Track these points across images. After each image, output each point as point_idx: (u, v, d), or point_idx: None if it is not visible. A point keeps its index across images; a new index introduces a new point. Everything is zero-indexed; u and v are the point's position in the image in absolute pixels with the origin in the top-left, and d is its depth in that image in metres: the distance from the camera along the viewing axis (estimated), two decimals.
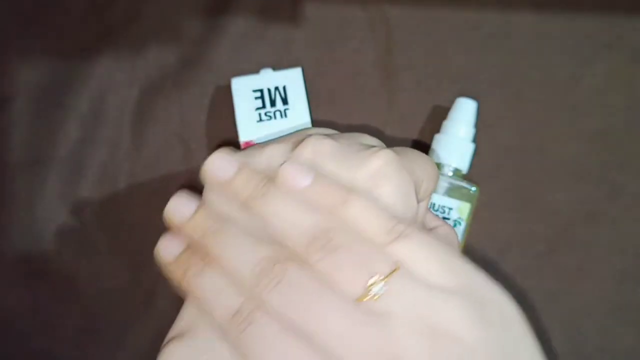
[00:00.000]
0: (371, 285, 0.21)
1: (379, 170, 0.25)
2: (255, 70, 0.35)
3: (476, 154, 0.34)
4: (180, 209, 0.27)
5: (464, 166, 0.33)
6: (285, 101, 0.34)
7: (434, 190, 0.29)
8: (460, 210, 0.33)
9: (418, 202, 0.27)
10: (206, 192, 0.27)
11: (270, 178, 0.25)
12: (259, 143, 0.29)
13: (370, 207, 0.24)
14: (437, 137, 0.34)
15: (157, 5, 0.38)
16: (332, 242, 0.23)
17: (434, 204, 0.33)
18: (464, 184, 0.33)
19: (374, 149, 0.26)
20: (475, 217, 0.34)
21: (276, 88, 0.34)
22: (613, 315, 0.35)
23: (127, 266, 0.36)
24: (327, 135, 0.26)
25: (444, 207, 0.33)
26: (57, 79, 0.37)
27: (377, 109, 0.36)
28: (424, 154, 0.28)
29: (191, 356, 0.25)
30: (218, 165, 0.26)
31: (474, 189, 0.33)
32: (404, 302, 0.21)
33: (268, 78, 0.34)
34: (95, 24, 0.38)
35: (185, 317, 0.26)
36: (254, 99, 0.34)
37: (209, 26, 0.37)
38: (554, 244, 0.35)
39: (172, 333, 0.25)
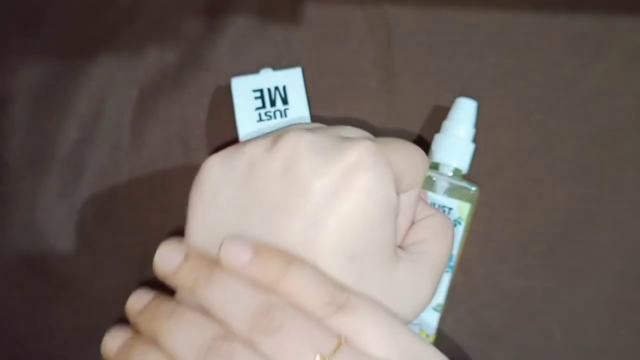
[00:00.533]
0: None
1: (355, 162, 0.25)
2: (255, 70, 0.35)
3: (476, 154, 0.34)
4: (137, 302, 0.27)
5: (464, 166, 0.33)
6: (285, 101, 0.34)
7: (424, 180, 0.29)
8: (460, 210, 0.33)
9: (400, 192, 0.27)
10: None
11: (215, 262, 0.25)
12: (242, 142, 0.29)
13: (311, 278, 0.23)
14: (437, 137, 0.34)
15: (157, 5, 0.38)
16: (274, 321, 0.22)
17: (434, 204, 0.33)
18: (464, 184, 0.33)
19: (352, 140, 0.25)
20: (475, 217, 0.34)
21: (276, 88, 0.34)
22: (613, 315, 0.35)
23: (127, 266, 0.36)
24: (309, 130, 0.26)
25: (444, 207, 0.33)
26: (57, 79, 0.37)
27: (377, 109, 0.36)
28: (410, 143, 0.28)
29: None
30: (166, 257, 0.26)
31: (474, 189, 0.33)
32: None
33: (268, 78, 0.34)
34: (95, 24, 0.38)
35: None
36: (254, 98, 0.34)
37: (209, 26, 0.37)
38: (554, 244, 0.35)
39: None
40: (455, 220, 0.33)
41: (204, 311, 0.24)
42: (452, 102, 0.34)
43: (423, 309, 0.27)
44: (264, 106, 0.34)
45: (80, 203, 0.37)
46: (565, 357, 0.35)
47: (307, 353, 0.22)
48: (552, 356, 0.35)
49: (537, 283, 0.35)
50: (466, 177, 0.34)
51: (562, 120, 0.36)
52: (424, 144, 0.36)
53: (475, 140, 0.34)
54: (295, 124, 0.30)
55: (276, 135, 0.27)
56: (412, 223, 0.29)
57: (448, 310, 0.34)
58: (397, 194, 0.26)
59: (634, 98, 0.36)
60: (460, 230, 0.33)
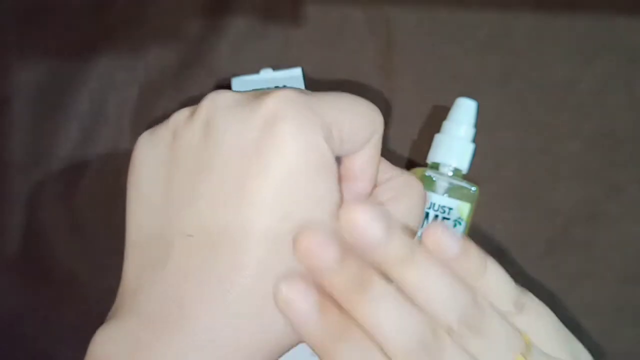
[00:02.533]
0: None
1: (272, 113, 0.22)
2: (255, 70, 0.35)
3: (476, 154, 0.34)
4: (321, 253, 0.21)
5: (464, 166, 0.33)
6: None
7: (379, 138, 0.26)
8: (460, 210, 0.33)
9: (344, 151, 0.24)
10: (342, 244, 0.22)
11: (420, 245, 0.22)
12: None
13: (501, 275, 0.23)
14: (437, 137, 0.34)
15: (157, 5, 0.38)
16: (483, 320, 0.22)
17: (434, 204, 0.33)
18: (464, 184, 0.33)
19: (271, 91, 0.23)
20: (475, 217, 0.34)
21: (276, 88, 0.34)
22: (613, 315, 0.35)
23: None
24: (227, 90, 0.24)
25: (444, 207, 0.33)
26: (57, 79, 0.37)
27: None
28: (354, 96, 0.25)
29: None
30: (366, 226, 0.21)
31: (474, 189, 0.33)
32: None
33: (268, 78, 0.34)
34: (95, 24, 0.38)
35: (116, 301, 0.24)
36: None
37: (209, 26, 0.37)
38: (554, 244, 0.35)
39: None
40: (455, 220, 0.33)
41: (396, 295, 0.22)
42: (452, 102, 0.34)
43: None
44: None
45: (80, 203, 0.37)
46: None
47: (511, 354, 0.21)
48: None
49: (537, 283, 0.35)
50: (466, 177, 0.34)
51: (562, 120, 0.36)
52: (424, 144, 0.35)
53: (475, 140, 0.34)
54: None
55: (201, 101, 0.25)
56: (375, 186, 0.26)
57: None
58: (339, 153, 0.24)
59: (634, 98, 0.36)
60: (460, 230, 0.33)
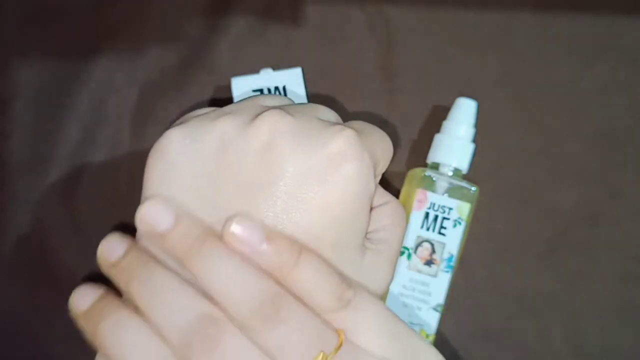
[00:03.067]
0: None
1: (339, 151, 0.24)
2: (255, 70, 0.35)
3: (476, 154, 0.34)
4: (111, 250, 0.24)
5: (464, 166, 0.33)
6: None
7: (386, 167, 0.29)
8: (460, 210, 0.33)
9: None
10: (139, 238, 0.25)
11: (212, 234, 0.23)
12: (207, 112, 0.27)
13: (321, 271, 0.23)
14: (437, 137, 0.34)
15: (157, 5, 0.38)
16: (280, 313, 0.21)
17: (434, 204, 0.33)
18: (464, 184, 0.33)
19: (335, 127, 0.25)
20: (475, 217, 0.34)
21: (276, 88, 0.34)
22: (613, 315, 0.35)
23: None
24: (283, 110, 0.25)
25: (444, 207, 0.33)
26: (57, 79, 0.37)
27: (377, 109, 0.36)
28: (380, 130, 0.28)
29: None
30: (153, 215, 0.24)
31: (474, 189, 0.33)
32: None
33: (268, 78, 0.34)
34: (95, 24, 0.38)
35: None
36: None
37: (209, 26, 0.37)
38: (554, 245, 0.35)
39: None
40: (455, 221, 0.33)
41: (192, 284, 0.22)
42: (452, 102, 0.34)
43: (383, 294, 0.27)
44: None
45: (80, 203, 0.37)
46: (565, 357, 0.35)
47: (310, 349, 0.21)
48: (552, 356, 0.35)
49: (537, 283, 0.35)
50: (466, 177, 0.34)
51: (562, 121, 0.36)
52: (424, 144, 0.35)
53: (475, 140, 0.34)
54: (261, 95, 0.29)
55: (250, 111, 0.26)
56: (372, 209, 0.28)
57: (448, 310, 0.34)
58: None
59: (634, 98, 0.36)
60: (460, 230, 0.33)
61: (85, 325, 0.23)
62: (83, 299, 0.24)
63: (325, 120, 0.27)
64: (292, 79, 0.34)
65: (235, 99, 0.34)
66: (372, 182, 0.25)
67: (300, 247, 0.23)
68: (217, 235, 0.23)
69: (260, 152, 0.24)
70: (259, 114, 0.25)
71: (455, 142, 0.33)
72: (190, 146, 0.25)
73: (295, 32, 0.37)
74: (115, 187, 0.37)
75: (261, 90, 0.34)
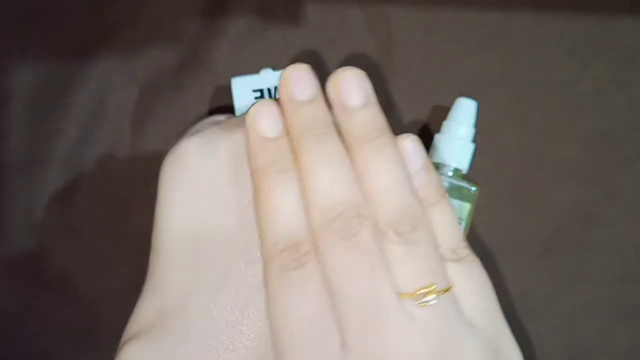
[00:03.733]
0: (425, 292, 0.21)
1: None
2: (255, 70, 0.35)
3: (476, 154, 0.34)
4: (300, 88, 0.24)
5: (464, 166, 0.33)
6: None
7: None
8: (460, 210, 0.33)
9: None
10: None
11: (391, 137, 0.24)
12: (222, 121, 0.27)
13: (453, 219, 0.24)
14: (437, 137, 0.34)
15: (157, 5, 0.38)
16: (415, 233, 0.22)
17: None
18: (464, 184, 0.33)
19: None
20: (475, 217, 0.34)
21: (276, 88, 0.34)
22: (612, 315, 0.35)
23: (126, 266, 0.36)
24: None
25: None
26: (57, 79, 0.37)
27: None
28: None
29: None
30: (353, 87, 0.24)
31: (474, 189, 0.33)
32: (439, 323, 0.21)
33: (268, 78, 0.34)
34: (95, 24, 0.38)
35: (145, 312, 0.23)
36: (254, 99, 0.34)
37: (208, 26, 0.37)
38: (553, 245, 0.35)
39: (131, 329, 0.23)
40: None
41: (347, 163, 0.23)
42: (452, 102, 0.34)
43: None
44: None
45: (79, 203, 0.37)
46: (565, 357, 0.35)
47: (424, 278, 0.21)
48: (551, 356, 0.35)
49: (536, 284, 0.35)
50: (466, 177, 0.34)
51: (562, 121, 0.36)
52: (424, 144, 0.35)
53: (475, 140, 0.34)
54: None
55: None
56: None
57: None
58: None
59: (634, 98, 0.36)
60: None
61: (258, 161, 0.23)
62: (271, 126, 0.23)
63: None
64: None
65: (235, 99, 0.34)
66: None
67: (445, 193, 0.24)
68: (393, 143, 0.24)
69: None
70: None
71: (455, 142, 0.33)
72: (207, 155, 0.25)
73: (295, 32, 0.37)
74: (114, 188, 0.37)
75: (261, 90, 0.34)
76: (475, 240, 0.35)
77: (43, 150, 0.37)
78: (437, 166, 0.33)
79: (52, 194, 0.37)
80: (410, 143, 0.24)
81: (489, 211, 0.35)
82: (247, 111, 0.23)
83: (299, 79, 0.24)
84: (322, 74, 0.37)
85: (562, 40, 0.36)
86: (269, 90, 0.34)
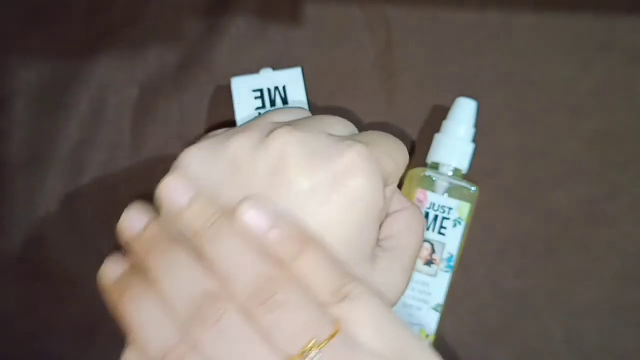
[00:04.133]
0: (308, 349, 0.21)
1: (347, 168, 0.25)
2: (255, 70, 0.35)
3: (476, 154, 0.34)
4: (133, 222, 0.26)
5: (464, 166, 0.33)
6: (285, 101, 0.34)
7: (402, 174, 0.29)
8: (460, 210, 0.33)
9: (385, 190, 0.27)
10: (162, 211, 0.26)
11: (225, 212, 0.25)
12: (223, 132, 0.28)
13: (323, 263, 0.24)
14: (437, 137, 0.34)
15: (157, 5, 0.38)
16: (277, 297, 0.22)
17: (434, 204, 0.33)
18: (464, 184, 0.33)
19: (345, 143, 0.25)
20: (475, 217, 0.34)
21: (276, 88, 0.34)
22: (613, 315, 0.35)
23: None
24: (293, 127, 0.26)
25: (444, 207, 0.33)
26: (57, 79, 0.37)
27: (377, 109, 0.36)
28: (395, 140, 0.28)
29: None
30: (173, 189, 0.26)
31: (474, 189, 0.33)
32: None
33: (268, 78, 0.34)
34: (95, 24, 0.38)
35: None
36: (254, 98, 0.34)
37: (209, 26, 0.37)
38: (554, 244, 0.35)
39: None
40: (455, 220, 0.33)
41: (201, 259, 0.24)
42: (452, 102, 0.34)
43: (397, 302, 0.27)
44: (264, 106, 0.34)
45: (80, 203, 0.37)
46: (565, 357, 0.35)
47: (303, 335, 0.22)
48: (552, 356, 0.35)
49: (537, 283, 0.35)
50: (466, 177, 0.34)
51: (562, 120, 0.36)
52: (424, 144, 0.35)
53: (475, 140, 0.34)
54: (272, 112, 0.29)
55: (261, 130, 0.26)
56: (387, 215, 0.29)
57: (448, 310, 0.34)
58: None
59: (633, 98, 0.36)
60: (460, 230, 0.33)
61: (111, 297, 0.25)
62: (113, 271, 0.26)
63: (337, 134, 0.27)
64: (292, 79, 0.34)
65: (235, 99, 0.34)
66: (381, 196, 0.25)
67: (307, 239, 0.24)
68: (230, 217, 0.25)
69: (269, 172, 0.25)
70: (269, 133, 0.26)
71: (455, 142, 0.33)
72: (206, 166, 0.26)
73: (295, 32, 0.37)
74: (114, 187, 0.37)
75: (261, 90, 0.34)
76: (476, 240, 0.35)
77: (44, 149, 0.37)
78: (437, 166, 0.33)
79: (53, 193, 0.37)
80: (246, 212, 0.24)
81: (489, 211, 0.35)
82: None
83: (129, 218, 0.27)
84: (322, 74, 0.37)
85: (562, 40, 0.36)
86: (268, 90, 0.34)
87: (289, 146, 0.25)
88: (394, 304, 0.27)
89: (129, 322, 0.24)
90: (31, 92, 0.37)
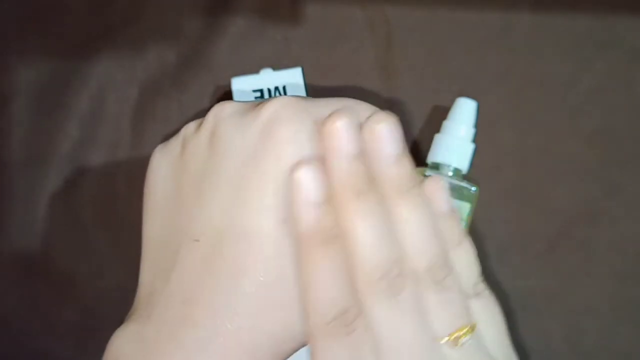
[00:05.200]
0: (459, 335, 0.22)
1: (269, 117, 0.23)
2: (255, 70, 0.35)
3: (476, 154, 0.34)
4: (348, 138, 0.23)
5: (464, 166, 0.33)
6: None
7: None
8: (460, 210, 0.33)
9: None
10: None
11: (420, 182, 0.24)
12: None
13: (473, 256, 0.24)
14: (437, 137, 0.34)
15: (157, 5, 0.38)
16: (447, 278, 0.23)
17: None
18: (464, 184, 0.33)
19: (271, 98, 0.24)
20: (475, 217, 0.34)
21: (276, 88, 0.34)
22: (613, 314, 0.35)
23: (127, 266, 0.36)
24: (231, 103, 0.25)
25: None
26: (57, 79, 0.37)
27: None
28: (355, 99, 0.26)
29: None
30: (389, 137, 0.23)
31: (474, 189, 0.33)
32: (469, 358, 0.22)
33: (268, 78, 0.34)
34: (95, 24, 0.38)
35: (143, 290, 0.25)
36: (254, 98, 0.34)
37: (209, 26, 0.37)
38: (554, 244, 0.35)
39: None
40: None
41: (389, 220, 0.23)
42: (452, 102, 0.34)
43: None
44: None
45: (80, 203, 0.37)
46: (565, 357, 0.35)
47: (460, 318, 0.22)
48: (552, 355, 0.35)
49: (537, 283, 0.35)
50: (466, 177, 0.34)
51: (562, 120, 0.36)
52: (424, 144, 0.35)
53: (475, 140, 0.34)
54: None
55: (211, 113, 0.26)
56: None
57: None
58: None
59: (633, 96, 0.36)
60: None
61: (304, 241, 0.22)
62: (319, 190, 0.22)
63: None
64: (292, 79, 0.34)
65: (235, 99, 0.34)
66: (313, 143, 0.23)
67: (465, 233, 0.25)
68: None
69: (206, 141, 0.24)
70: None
71: (455, 142, 0.33)
72: (163, 159, 0.27)
73: (295, 32, 0.37)
74: (114, 187, 0.37)
75: (261, 90, 0.34)
76: (476, 240, 0.35)
77: (44, 149, 0.37)
78: (437, 166, 0.33)
79: (53, 192, 0.37)
80: (437, 187, 0.24)
81: (489, 211, 0.35)
82: (294, 172, 0.22)
83: (344, 132, 0.23)
84: (322, 74, 0.37)
85: (561, 40, 0.36)
86: (268, 90, 0.34)
87: (221, 112, 0.25)
88: None
89: (310, 274, 0.22)
90: (31, 91, 0.37)
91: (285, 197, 0.22)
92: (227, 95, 0.35)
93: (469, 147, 0.33)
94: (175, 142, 0.26)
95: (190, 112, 0.37)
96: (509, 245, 0.35)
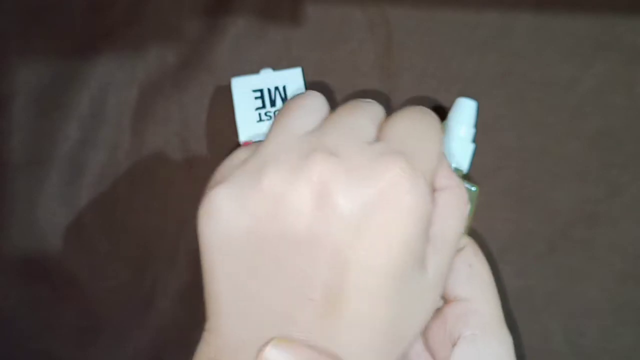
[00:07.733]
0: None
1: (391, 185, 0.23)
2: (255, 70, 0.35)
3: (476, 154, 0.34)
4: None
5: (464, 166, 0.33)
6: (285, 101, 0.34)
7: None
8: None
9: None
10: None
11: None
12: (245, 160, 0.26)
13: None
14: None
15: (157, 5, 0.38)
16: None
17: None
18: (464, 184, 0.33)
19: (384, 159, 0.24)
20: (475, 217, 0.34)
21: (276, 88, 0.34)
22: (613, 315, 0.35)
23: (127, 266, 0.36)
24: (330, 153, 0.24)
25: None
26: (57, 79, 0.37)
27: None
28: (427, 123, 0.27)
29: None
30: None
31: (474, 189, 0.33)
32: None
33: (268, 78, 0.34)
34: (95, 24, 0.38)
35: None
36: (254, 98, 0.34)
37: (209, 26, 0.37)
38: (554, 244, 0.35)
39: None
40: None
41: None
42: (452, 102, 0.34)
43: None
44: (264, 106, 0.34)
45: (80, 203, 0.37)
46: (565, 357, 0.35)
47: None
48: (552, 355, 0.35)
49: (537, 283, 0.35)
50: (466, 177, 0.34)
51: (562, 120, 0.36)
52: None
53: (475, 140, 0.34)
54: (289, 117, 0.27)
55: (291, 156, 0.24)
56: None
57: None
58: None
59: (633, 97, 0.36)
60: None
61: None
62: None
63: (366, 133, 0.26)
64: (292, 79, 0.34)
65: (235, 99, 0.34)
66: (430, 199, 0.24)
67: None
68: None
69: (313, 202, 0.23)
70: (304, 159, 0.24)
71: (455, 142, 0.33)
72: (242, 207, 0.24)
73: (295, 32, 0.37)
74: (115, 187, 0.37)
75: (261, 90, 0.34)
76: (476, 240, 0.35)
77: (44, 149, 0.37)
78: None
79: (54, 193, 0.37)
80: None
81: (489, 211, 0.35)
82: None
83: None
84: (322, 74, 0.37)
85: (561, 40, 0.36)
86: (268, 90, 0.34)
87: (330, 175, 0.23)
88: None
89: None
90: (31, 92, 0.37)
91: (402, 253, 0.24)
92: (227, 95, 0.35)
93: (469, 147, 0.33)
94: (258, 194, 0.24)
95: (190, 113, 0.37)
96: (509, 245, 0.35)
